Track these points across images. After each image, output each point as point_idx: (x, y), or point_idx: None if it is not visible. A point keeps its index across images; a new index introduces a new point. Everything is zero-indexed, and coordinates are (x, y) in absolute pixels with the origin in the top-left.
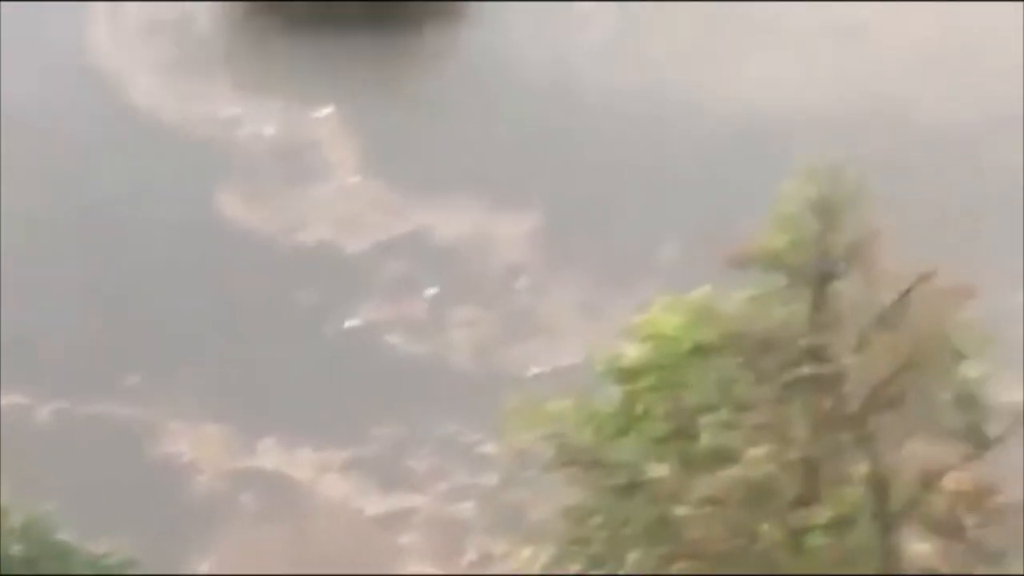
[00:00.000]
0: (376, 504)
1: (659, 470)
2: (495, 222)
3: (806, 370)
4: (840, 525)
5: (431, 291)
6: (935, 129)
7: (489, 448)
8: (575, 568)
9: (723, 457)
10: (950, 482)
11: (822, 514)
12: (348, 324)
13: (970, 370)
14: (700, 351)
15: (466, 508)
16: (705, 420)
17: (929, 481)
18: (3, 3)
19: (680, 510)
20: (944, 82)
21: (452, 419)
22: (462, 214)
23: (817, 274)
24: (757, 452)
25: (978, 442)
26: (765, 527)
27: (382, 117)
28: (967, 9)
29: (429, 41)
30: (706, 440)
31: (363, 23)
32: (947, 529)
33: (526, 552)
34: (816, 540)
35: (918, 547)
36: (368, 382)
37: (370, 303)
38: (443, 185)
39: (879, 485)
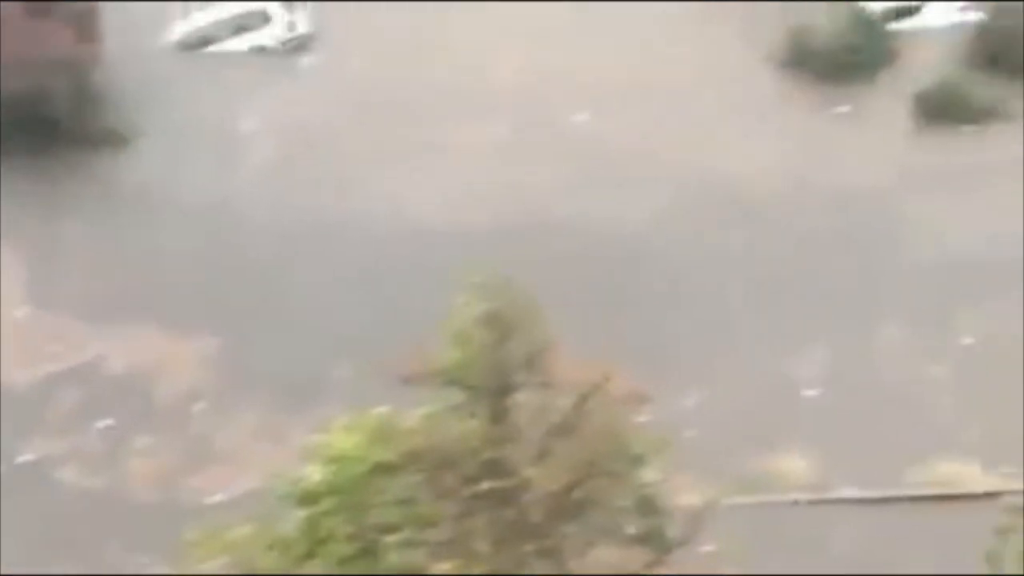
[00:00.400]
0: None
1: None
2: (170, 348)
3: (487, 484)
4: None
5: (105, 422)
6: (602, 232)
7: None
8: None
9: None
10: None
11: None
12: (20, 460)
13: (648, 474)
14: (381, 470)
15: None
16: (389, 539)
17: None
18: None
19: None
20: (609, 186)
21: (132, 552)
22: (136, 341)
23: (493, 387)
24: (442, 568)
25: (660, 546)
26: None
27: (49, 245)
28: (626, 114)
29: (95, 169)
30: (392, 559)
31: (26, 152)
32: None
33: None
34: None
35: None
36: (42, 518)
37: (42, 437)
38: (116, 313)
39: None
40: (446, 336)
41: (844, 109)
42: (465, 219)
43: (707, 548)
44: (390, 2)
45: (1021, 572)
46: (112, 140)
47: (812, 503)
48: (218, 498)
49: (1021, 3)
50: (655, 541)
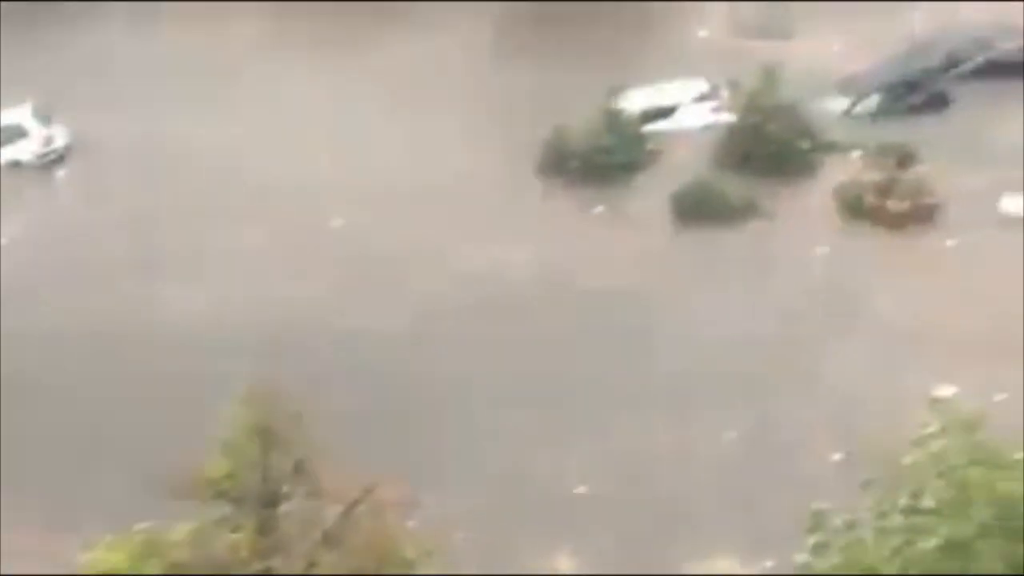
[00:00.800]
0: None
1: None
2: None
3: None
4: None
5: None
6: (365, 337)
7: None
8: None
9: None
10: None
11: None
12: None
13: None
14: None
15: None
16: None
17: None
18: None
19: None
20: (369, 291)
21: None
22: None
23: (261, 498)
24: None
25: None
26: None
27: None
28: (384, 219)
29: None
30: None
31: None
32: None
33: None
34: None
35: None
36: None
37: None
38: None
39: None
40: (215, 448)
41: (599, 210)
42: (228, 328)
43: None
44: (146, 111)
45: None
46: None
47: None
48: None
49: (769, 104)
50: None
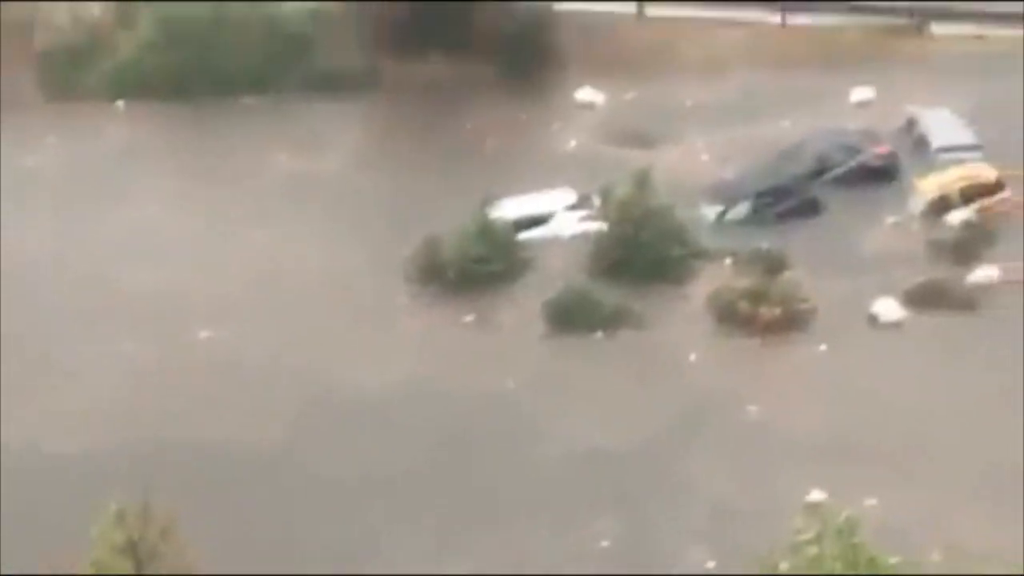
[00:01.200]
0: None
1: None
2: None
3: None
4: None
5: None
6: (236, 449)
7: None
8: None
9: None
10: None
11: None
12: None
13: None
14: None
15: None
16: None
17: None
18: None
19: None
20: (240, 401)
21: None
22: None
23: None
24: None
25: None
26: None
27: None
28: (253, 329)
29: None
30: None
31: None
32: None
33: None
34: None
35: None
36: None
37: None
38: None
39: None
40: (89, 566)
41: (470, 318)
42: (97, 443)
43: None
44: (9, 219)
45: None
46: None
47: None
48: None
49: (641, 211)
50: None
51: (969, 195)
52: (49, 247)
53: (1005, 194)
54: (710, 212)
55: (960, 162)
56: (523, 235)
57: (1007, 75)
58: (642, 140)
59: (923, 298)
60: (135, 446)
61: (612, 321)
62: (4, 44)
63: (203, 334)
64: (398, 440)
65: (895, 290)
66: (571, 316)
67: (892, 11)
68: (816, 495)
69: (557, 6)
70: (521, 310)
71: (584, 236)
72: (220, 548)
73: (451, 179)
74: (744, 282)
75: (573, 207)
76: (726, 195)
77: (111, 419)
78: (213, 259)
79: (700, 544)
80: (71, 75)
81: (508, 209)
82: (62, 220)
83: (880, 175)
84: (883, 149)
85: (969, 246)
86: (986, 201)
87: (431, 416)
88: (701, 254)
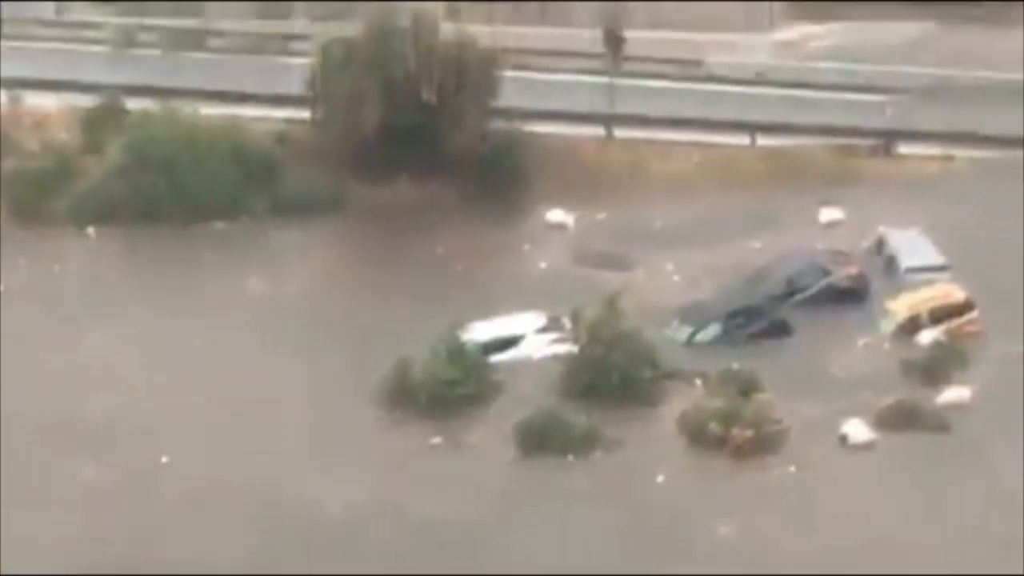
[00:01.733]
0: None
1: None
2: None
3: None
4: None
5: None
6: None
7: None
8: None
9: None
10: None
11: None
12: None
13: None
14: None
15: None
16: None
17: None
18: None
19: None
20: (202, 527)
21: None
22: None
23: None
24: None
25: None
26: None
27: None
28: (216, 452)
29: None
30: None
31: None
32: None
33: None
34: None
35: None
36: None
37: None
38: None
39: None
40: None
41: (437, 440)
42: (59, 570)
43: None
44: None
45: None
46: None
47: None
48: None
49: (611, 333)
50: None
51: (939, 316)
52: (14, 373)
53: (974, 314)
54: (681, 333)
55: (930, 282)
56: (494, 358)
57: (974, 195)
58: (613, 261)
59: (894, 419)
60: (99, 571)
61: (583, 444)
62: None
63: (164, 459)
64: (361, 564)
65: (866, 411)
66: (542, 439)
67: (860, 132)
68: None
69: (526, 128)
70: (491, 433)
71: (555, 358)
72: None
73: (421, 302)
74: (715, 403)
75: (543, 329)
76: (697, 316)
77: (74, 545)
78: (178, 383)
79: None
80: (39, 200)
81: (478, 332)
82: (28, 344)
83: (850, 296)
84: (853, 270)
85: (939, 367)
86: (955, 321)
87: (394, 539)
88: (672, 376)
